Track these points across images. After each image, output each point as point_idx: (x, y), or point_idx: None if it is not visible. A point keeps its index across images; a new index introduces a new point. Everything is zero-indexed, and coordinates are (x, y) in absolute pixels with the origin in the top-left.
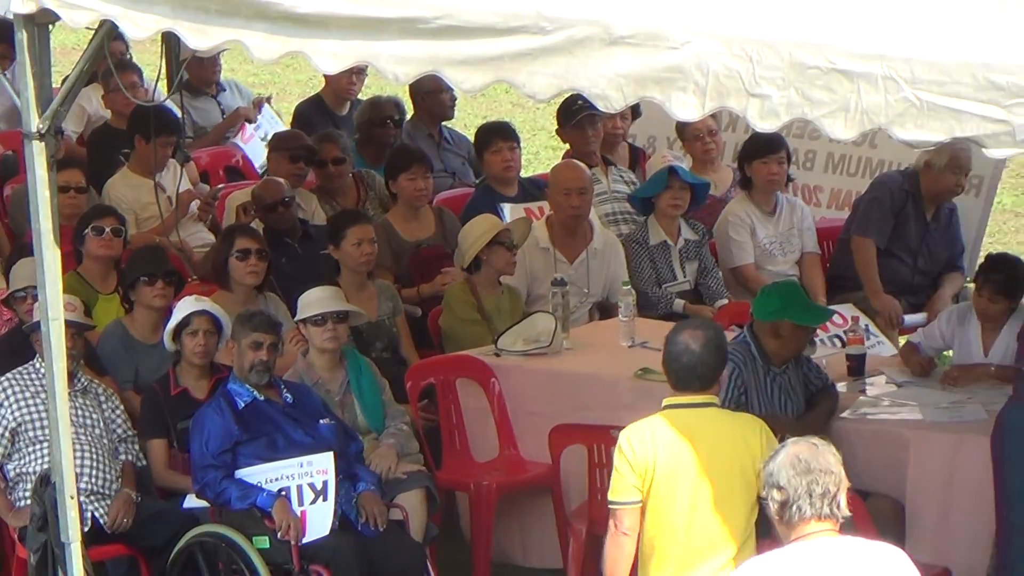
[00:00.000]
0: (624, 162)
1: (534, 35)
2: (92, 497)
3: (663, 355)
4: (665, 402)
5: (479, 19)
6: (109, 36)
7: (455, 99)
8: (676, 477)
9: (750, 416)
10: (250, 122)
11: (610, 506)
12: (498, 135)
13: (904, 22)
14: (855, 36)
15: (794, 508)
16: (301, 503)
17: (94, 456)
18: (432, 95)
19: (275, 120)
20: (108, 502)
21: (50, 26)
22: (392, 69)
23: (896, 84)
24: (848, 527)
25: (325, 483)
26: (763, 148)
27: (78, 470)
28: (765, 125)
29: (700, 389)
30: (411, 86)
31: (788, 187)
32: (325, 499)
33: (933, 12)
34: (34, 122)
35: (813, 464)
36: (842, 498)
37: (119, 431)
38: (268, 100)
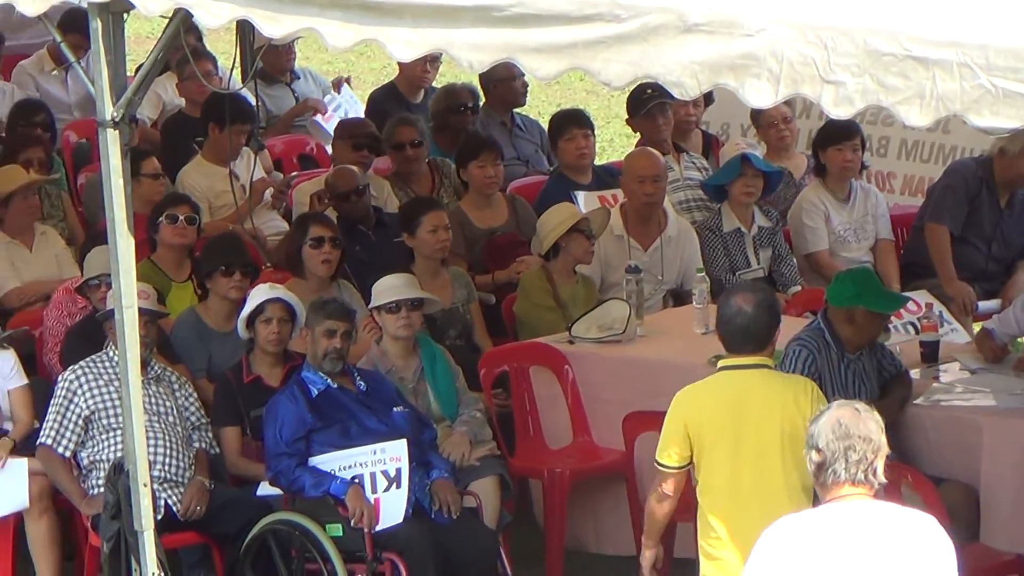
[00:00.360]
0: (697, 149)
1: (608, 23)
2: (165, 485)
3: (716, 319)
4: (720, 364)
5: (553, 7)
6: (184, 24)
7: (527, 86)
8: (726, 437)
9: (801, 377)
10: (319, 113)
11: (656, 465)
12: (572, 123)
13: (979, 9)
14: (930, 23)
15: (830, 471)
16: (375, 491)
17: (167, 444)
18: (504, 83)
19: (355, 100)
20: (181, 490)
21: (124, 15)
22: (466, 57)
23: (971, 71)
24: (912, 501)
25: (399, 470)
26: (837, 135)
27: (151, 458)
28: (839, 112)
29: (754, 351)
30: (482, 74)
31: (862, 174)
32: (399, 487)
33: None
34: (108, 110)
35: (853, 430)
36: (879, 465)
37: (192, 419)
38: (348, 80)
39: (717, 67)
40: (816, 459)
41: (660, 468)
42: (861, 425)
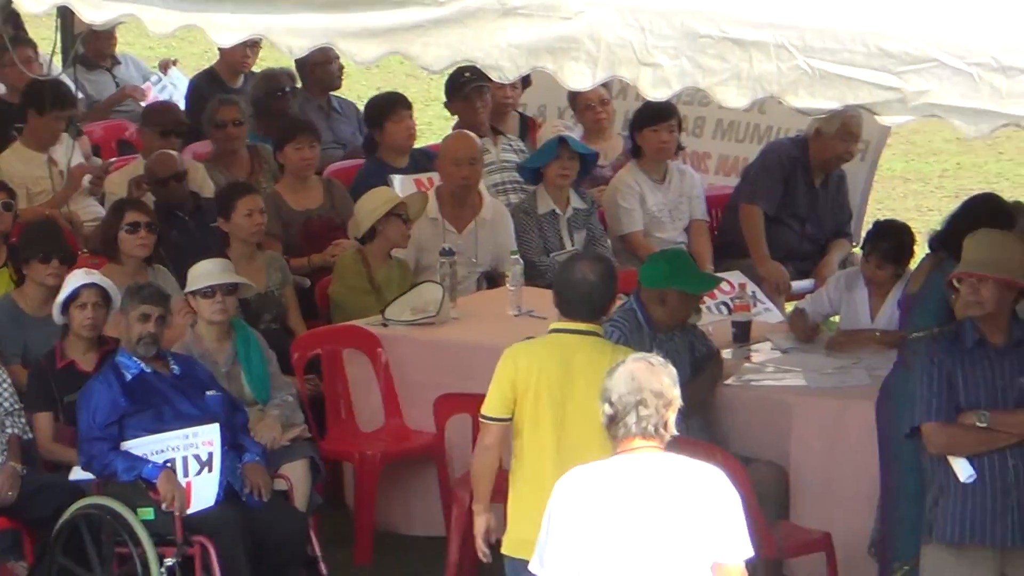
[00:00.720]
0: (514, 131)
1: (427, 7)
2: None
3: (555, 282)
4: (551, 326)
5: None
6: (3, 11)
7: (343, 69)
8: (552, 397)
9: (628, 348)
10: (135, 99)
11: (480, 418)
12: (400, 105)
13: None
14: (747, 5)
15: (621, 424)
16: (187, 474)
17: None
18: (320, 66)
19: (184, 81)
20: None
21: None
22: (287, 42)
23: (788, 52)
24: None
25: (211, 454)
26: (654, 116)
27: None
28: (657, 94)
29: (588, 319)
30: (298, 58)
31: (678, 155)
32: (211, 470)
33: None
34: None
35: (645, 384)
36: (670, 418)
37: (5, 405)
38: (174, 63)
39: (535, 50)
40: (608, 412)
41: (483, 420)
42: (654, 379)
